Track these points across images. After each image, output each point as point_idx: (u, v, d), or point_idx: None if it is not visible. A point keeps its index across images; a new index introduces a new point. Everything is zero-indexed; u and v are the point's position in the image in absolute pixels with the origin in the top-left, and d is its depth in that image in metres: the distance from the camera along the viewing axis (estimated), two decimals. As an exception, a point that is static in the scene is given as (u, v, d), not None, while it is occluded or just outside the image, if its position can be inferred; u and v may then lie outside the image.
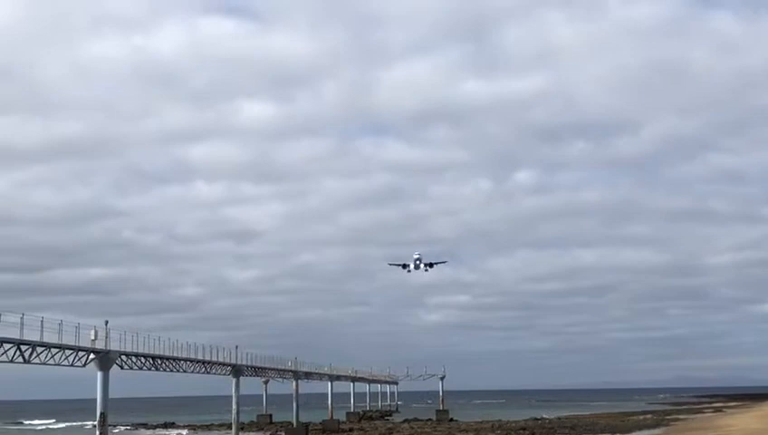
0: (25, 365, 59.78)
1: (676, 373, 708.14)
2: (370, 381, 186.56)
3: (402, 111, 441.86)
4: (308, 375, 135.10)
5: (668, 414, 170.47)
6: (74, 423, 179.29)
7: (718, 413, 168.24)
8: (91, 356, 66.34)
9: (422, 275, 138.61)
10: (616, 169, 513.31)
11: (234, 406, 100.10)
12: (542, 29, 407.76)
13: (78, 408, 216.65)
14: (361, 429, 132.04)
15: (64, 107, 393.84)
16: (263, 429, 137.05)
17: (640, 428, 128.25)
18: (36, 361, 60.71)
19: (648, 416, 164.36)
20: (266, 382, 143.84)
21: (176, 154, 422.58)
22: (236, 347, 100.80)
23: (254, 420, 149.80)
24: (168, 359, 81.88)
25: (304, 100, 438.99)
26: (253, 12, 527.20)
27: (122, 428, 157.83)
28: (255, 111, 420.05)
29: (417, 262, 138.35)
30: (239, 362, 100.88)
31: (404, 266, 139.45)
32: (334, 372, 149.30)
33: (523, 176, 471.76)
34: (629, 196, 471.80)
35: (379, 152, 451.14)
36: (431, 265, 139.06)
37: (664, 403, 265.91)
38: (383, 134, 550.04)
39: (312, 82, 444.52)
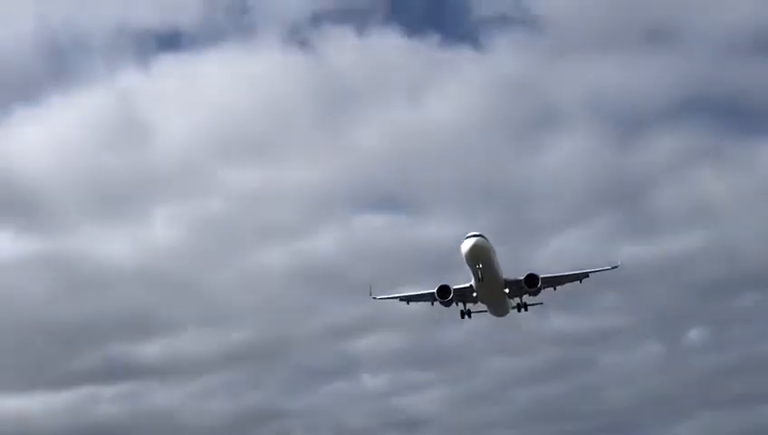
0: None
1: None
2: None
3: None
4: None
5: None
6: None
7: None
8: None
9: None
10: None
11: None
12: (693, 186, 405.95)
13: None
14: None
15: (234, 316, 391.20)
16: None
17: None
18: None
19: None
20: None
21: (340, 349, 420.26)
22: None
23: None
24: None
25: (462, 282, 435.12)
26: (403, 205, 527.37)
27: None
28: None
29: (478, 276, 77.98)
30: None
31: (446, 298, 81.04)
32: None
33: (694, 335, 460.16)
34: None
35: (543, 325, 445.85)
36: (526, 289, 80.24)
37: None
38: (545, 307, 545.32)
39: (466, 266, 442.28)
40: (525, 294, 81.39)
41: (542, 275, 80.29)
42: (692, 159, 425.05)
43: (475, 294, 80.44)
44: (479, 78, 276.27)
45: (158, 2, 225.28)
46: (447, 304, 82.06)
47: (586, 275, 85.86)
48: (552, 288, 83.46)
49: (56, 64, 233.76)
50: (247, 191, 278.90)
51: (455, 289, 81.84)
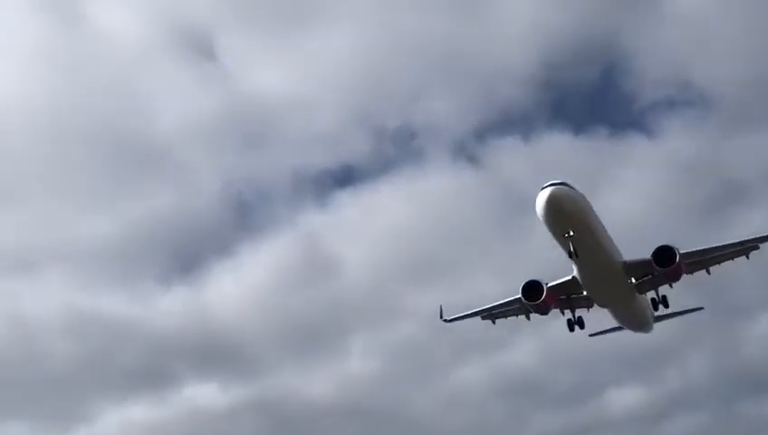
0: None
1: None
2: None
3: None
4: None
5: None
6: None
7: None
8: None
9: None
10: None
11: None
12: None
13: None
14: None
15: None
16: None
17: None
18: None
19: None
20: None
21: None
22: None
23: None
24: None
25: (673, 378, 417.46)
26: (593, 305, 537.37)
27: None
28: (623, 398, 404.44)
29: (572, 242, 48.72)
30: None
31: (537, 300, 54.55)
32: None
33: None
34: None
35: (765, 412, 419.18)
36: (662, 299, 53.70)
37: None
38: (762, 391, 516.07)
39: (673, 357, 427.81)
40: (663, 284, 53.13)
41: (682, 251, 51.40)
42: None
43: (584, 293, 52.77)
44: (654, 164, 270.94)
45: (331, 144, 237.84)
46: (544, 311, 54.60)
47: (755, 245, 56.40)
48: (704, 271, 54.84)
49: (243, 216, 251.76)
50: (438, 311, 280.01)
51: (550, 287, 53.57)
